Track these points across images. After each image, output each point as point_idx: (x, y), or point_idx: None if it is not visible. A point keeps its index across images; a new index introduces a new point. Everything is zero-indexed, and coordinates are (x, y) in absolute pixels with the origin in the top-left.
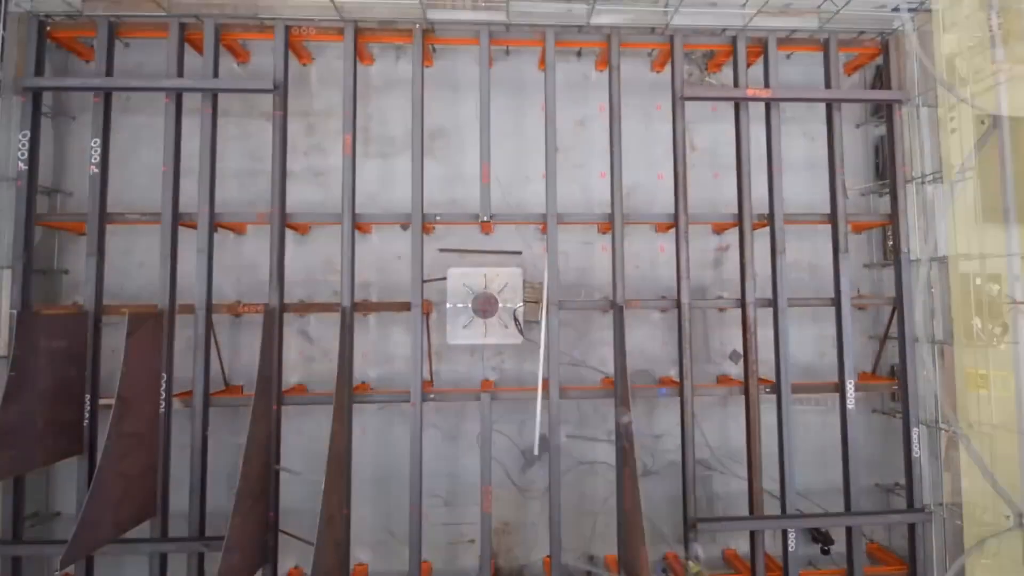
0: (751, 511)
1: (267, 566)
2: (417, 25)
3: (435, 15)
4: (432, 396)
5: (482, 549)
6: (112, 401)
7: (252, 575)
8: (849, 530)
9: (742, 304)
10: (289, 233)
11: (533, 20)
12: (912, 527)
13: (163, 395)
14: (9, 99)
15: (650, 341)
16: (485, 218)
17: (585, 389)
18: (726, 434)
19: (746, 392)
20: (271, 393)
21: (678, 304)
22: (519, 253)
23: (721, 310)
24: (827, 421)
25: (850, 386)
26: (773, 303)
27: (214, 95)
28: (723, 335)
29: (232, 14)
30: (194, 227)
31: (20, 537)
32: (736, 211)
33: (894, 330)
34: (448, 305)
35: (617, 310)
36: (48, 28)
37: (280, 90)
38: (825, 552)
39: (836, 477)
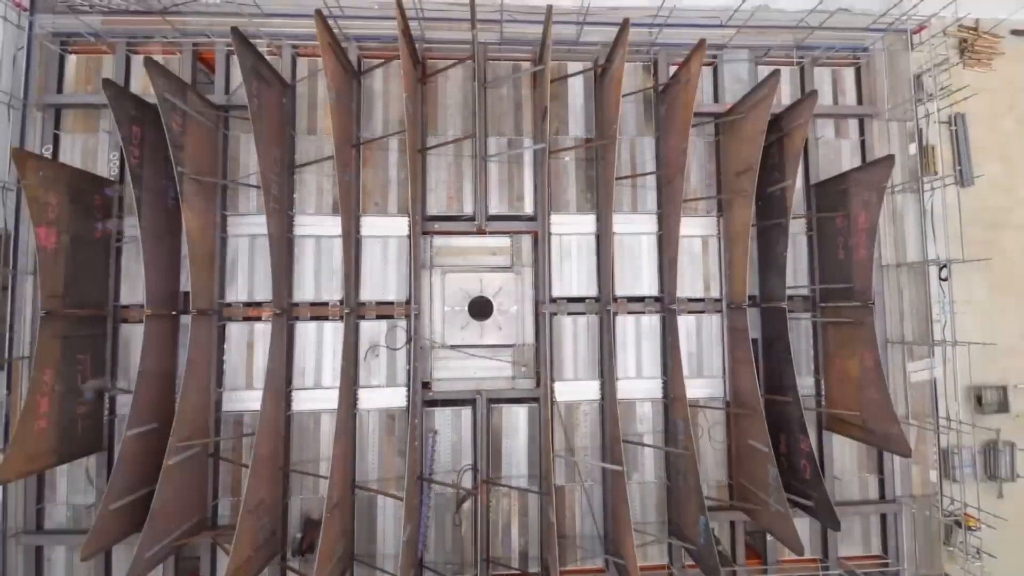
0: (731, 498)
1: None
2: (417, 44)
3: (433, 35)
4: (431, 395)
5: (477, 534)
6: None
7: None
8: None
9: (723, 305)
10: None
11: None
12: (884, 517)
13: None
14: (34, 115)
15: None
16: (480, 225)
17: None
18: None
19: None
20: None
21: (664, 305)
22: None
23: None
24: None
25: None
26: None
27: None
28: None
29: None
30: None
31: (42, 528)
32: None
33: None
34: (446, 308)
35: (605, 313)
36: (69, 48)
37: (288, 107)
38: None
39: None
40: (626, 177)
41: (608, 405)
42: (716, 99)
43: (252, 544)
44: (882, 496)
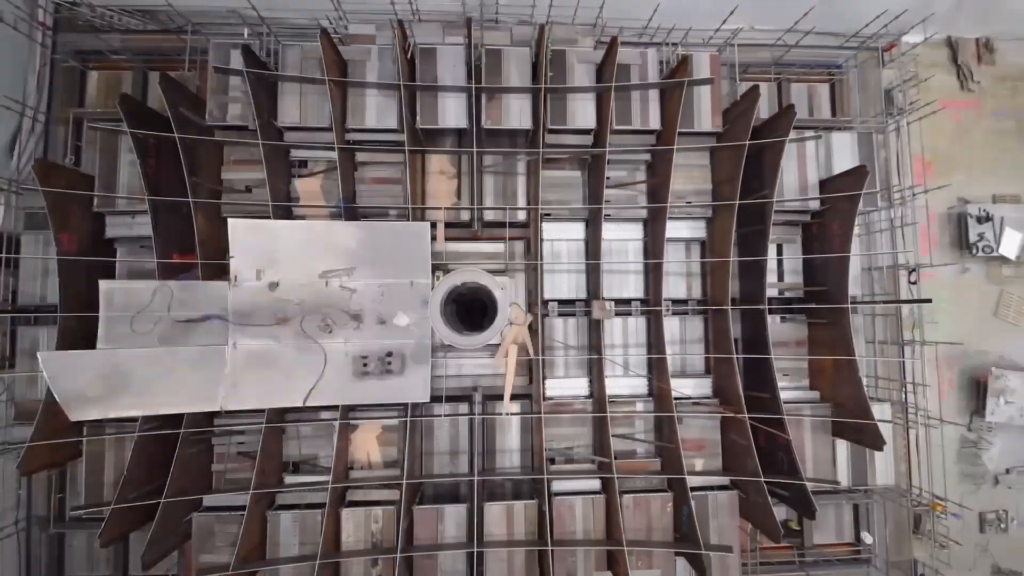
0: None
1: None
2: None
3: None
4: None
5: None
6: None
7: None
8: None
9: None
10: None
11: None
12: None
13: None
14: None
15: None
16: (477, 230)
17: None
18: None
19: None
20: None
21: (651, 307)
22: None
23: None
24: None
25: None
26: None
27: None
28: None
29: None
30: None
31: (64, 518)
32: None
33: None
34: None
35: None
36: (90, 65)
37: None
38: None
39: None
40: (617, 186)
41: (597, 401)
42: None
43: (261, 532)
44: (856, 486)
